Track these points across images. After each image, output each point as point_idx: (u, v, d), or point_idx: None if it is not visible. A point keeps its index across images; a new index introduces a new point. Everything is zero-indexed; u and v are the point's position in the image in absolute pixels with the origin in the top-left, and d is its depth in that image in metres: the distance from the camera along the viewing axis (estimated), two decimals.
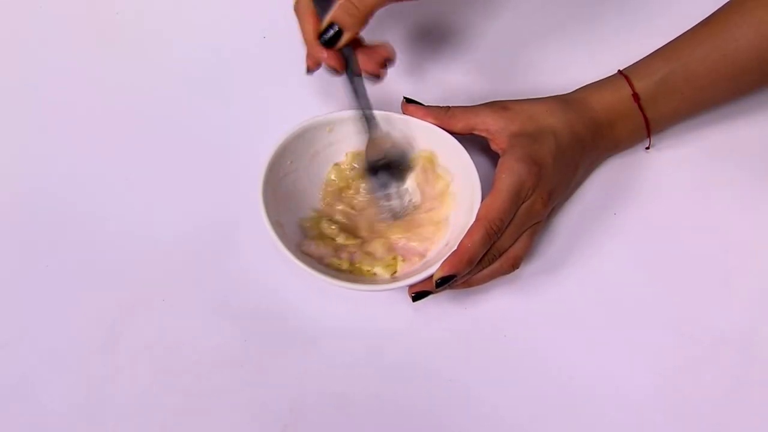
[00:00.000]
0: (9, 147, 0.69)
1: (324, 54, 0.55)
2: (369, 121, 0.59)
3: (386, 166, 0.61)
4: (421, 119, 0.60)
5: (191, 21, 0.74)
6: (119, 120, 0.70)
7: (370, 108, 0.59)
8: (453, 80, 0.69)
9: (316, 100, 0.68)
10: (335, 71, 0.56)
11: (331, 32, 0.54)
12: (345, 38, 0.55)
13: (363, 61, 0.57)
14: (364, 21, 0.54)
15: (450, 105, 0.61)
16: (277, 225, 0.57)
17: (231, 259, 0.64)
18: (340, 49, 0.55)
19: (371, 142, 0.60)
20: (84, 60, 0.72)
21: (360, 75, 0.57)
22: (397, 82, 0.68)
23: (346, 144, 0.62)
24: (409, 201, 0.62)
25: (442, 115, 0.60)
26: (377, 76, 0.57)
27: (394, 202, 0.62)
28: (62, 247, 0.65)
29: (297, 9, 0.57)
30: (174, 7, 0.74)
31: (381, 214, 0.62)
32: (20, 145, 0.69)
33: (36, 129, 0.69)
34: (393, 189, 0.62)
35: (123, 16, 0.74)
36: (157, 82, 0.71)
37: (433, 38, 0.71)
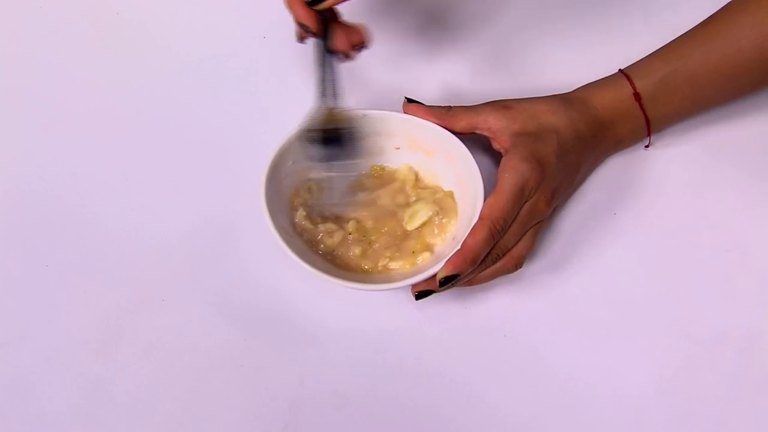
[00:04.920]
0: (9, 147, 0.69)
1: (302, 12, 0.54)
2: (330, 91, 0.57)
3: (336, 138, 0.58)
4: (423, 119, 0.60)
5: (191, 21, 0.74)
6: (119, 120, 0.69)
7: (334, 80, 0.57)
8: (454, 80, 0.69)
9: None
10: (308, 32, 0.55)
11: None
12: (330, 4, 0.53)
13: (337, 37, 0.56)
14: None
15: (451, 105, 0.61)
16: (280, 226, 0.57)
17: (231, 258, 0.64)
18: (320, 11, 0.54)
19: (327, 111, 0.58)
20: (84, 60, 0.72)
21: (331, 49, 0.56)
22: (398, 83, 0.68)
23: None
24: (355, 176, 0.61)
25: (444, 115, 0.60)
26: (347, 56, 0.56)
27: (338, 175, 0.60)
28: (62, 247, 0.64)
29: None
30: (174, 8, 0.74)
31: (327, 191, 0.61)
32: (20, 146, 0.69)
33: (36, 129, 0.69)
34: (341, 162, 0.59)
35: (122, 17, 0.74)
36: (157, 83, 0.71)
37: (435, 38, 0.71)
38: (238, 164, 0.66)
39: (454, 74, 0.70)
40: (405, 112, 0.61)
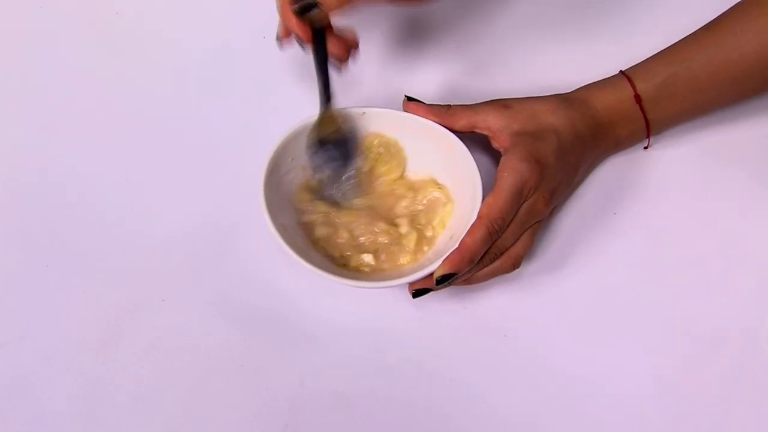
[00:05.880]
0: (9, 147, 0.69)
1: (294, 23, 0.55)
2: (326, 96, 0.59)
3: (336, 142, 0.60)
4: (423, 117, 0.60)
5: (191, 21, 0.74)
6: (119, 120, 0.69)
7: (329, 85, 0.59)
8: (454, 79, 0.69)
9: (316, 99, 0.68)
10: (302, 43, 0.57)
11: (309, 7, 0.53)
12: (320, 16, 0.54)
13: (332, 43, 0.57)
14: (346, 8, 0.53)
15: (451, 103, 0.61)
16: (279, 225, 0.57)
17: (231, 258, 0.64)
18: (311, 23, 0.55)
19: (323, 118, 0.60)
20: (84, 60, 0.72)
21: (327, 55, 0.57)
22: (398, 81, 0.68)
23: None
24: (355, 179, 0.61)
25: (444, 113, 0.60)
26: (342, 61, 0.58)
27: (342, 180, 0.61)
28: (62, 247, 0.64)
29: None
30: (174, 8, 0.74)
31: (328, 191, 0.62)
32: (20, 145, 0.69)
33: (36, 129, 0.69)
34: (340, 165, 0.61)
35: (123, 16, 0.74)
36: (156, 82, 0.71)
37: (435, 37, 0.71)
38: (238, 164, 0.66)
39: (453, 73, 0.70)
40: (405, 111, 0.61)
